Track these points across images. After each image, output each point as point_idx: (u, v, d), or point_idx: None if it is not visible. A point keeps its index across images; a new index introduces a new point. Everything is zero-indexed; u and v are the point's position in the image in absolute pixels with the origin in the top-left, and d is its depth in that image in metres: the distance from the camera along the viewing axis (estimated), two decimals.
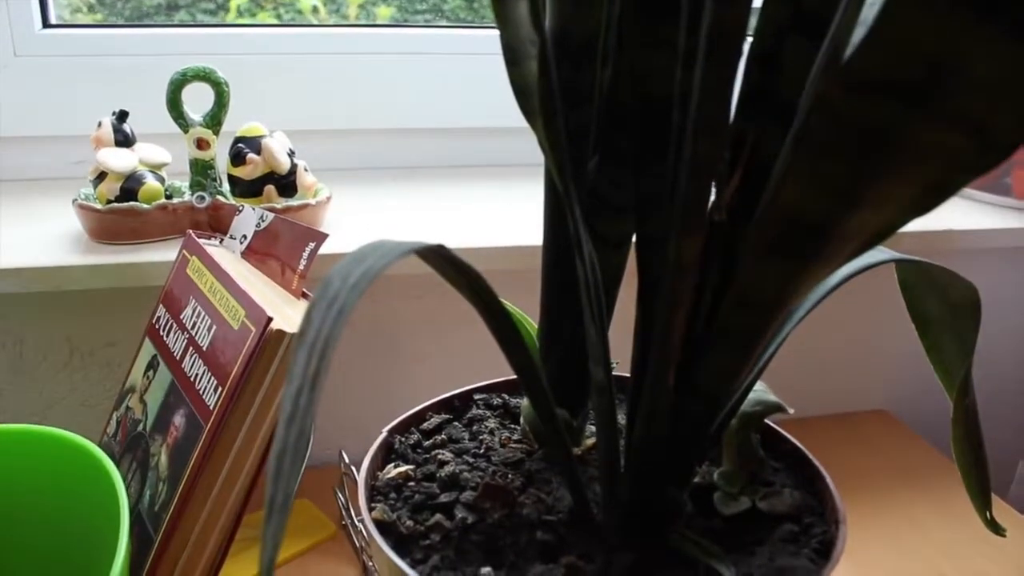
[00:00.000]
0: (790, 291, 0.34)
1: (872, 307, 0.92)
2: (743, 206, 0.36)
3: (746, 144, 0.35)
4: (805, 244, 0.32)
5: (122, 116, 0.72)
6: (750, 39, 0.36)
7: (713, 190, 0.36)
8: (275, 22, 1.03)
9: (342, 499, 0.72)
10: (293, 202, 0.72)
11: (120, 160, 0.70)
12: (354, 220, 0.77)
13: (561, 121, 0.33)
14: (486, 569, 0.38)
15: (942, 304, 0.48)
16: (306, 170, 0.74)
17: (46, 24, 0.86)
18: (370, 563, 0.67)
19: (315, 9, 1.07)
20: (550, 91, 0.32)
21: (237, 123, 0.74)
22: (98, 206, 0.69)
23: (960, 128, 0.28)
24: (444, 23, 1.04)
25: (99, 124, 0.72)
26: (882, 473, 0.83)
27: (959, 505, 0.49)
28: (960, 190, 0.30)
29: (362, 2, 1.05)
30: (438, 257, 0.31)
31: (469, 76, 0.92)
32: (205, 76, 0.71)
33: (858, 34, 0.33)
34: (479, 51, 0.92)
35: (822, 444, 0.88)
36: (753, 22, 0.38)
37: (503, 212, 0.81)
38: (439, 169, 0.96)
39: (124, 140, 0.72)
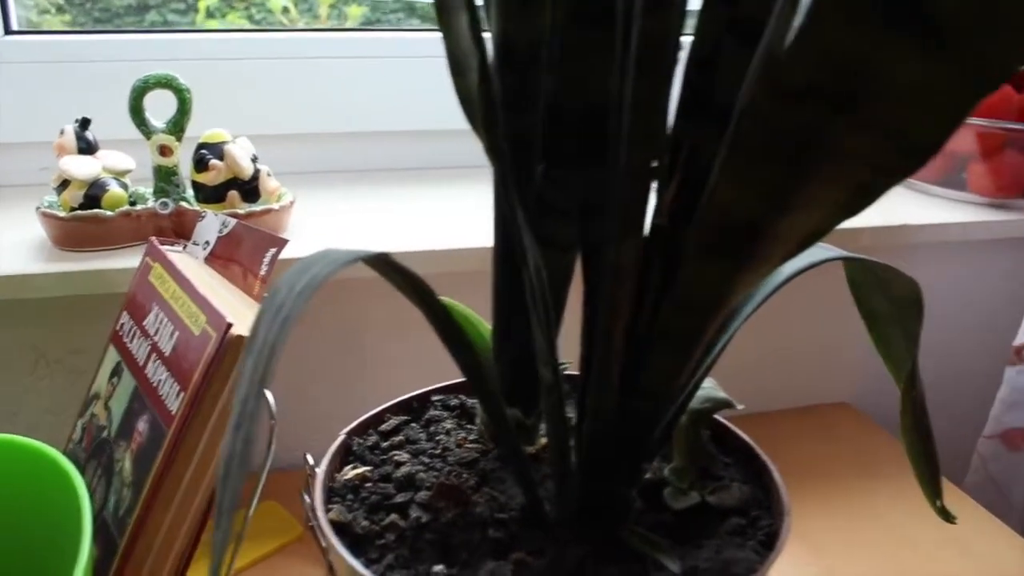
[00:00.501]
0: (728, 292, 0.35)
1: (833, 302, 0.94)
2: (684, 210, 0.37)
3: (684, 148, 0.36)
4: (740, 246, 0.33)
5: (84, 123, 0.73)
6: (689, 43, 0.37)
7: (655, 194, 0.37)
8: (244, 23, 1.04)
9: (308, 500, 0.72)
10: (256, 207, 0.73)
11: (83, 167, 0.70)
12: (318, 224, 0.78)
13: (503, 129, 0.34)
14: (439, 567, 0.39)
15: (887, 300, 0.50)
16: (269, 175, 0.75)
17: (8, 31, 0.86)
18: (334, 565, 0.67)
19: (285, 10, 1.07)
20: (491, 101, 0.33)
21: (202, 128, 0.74)
22: (61, 214, 0.70)
23: (882, 133, 0.30)
24: (415, 23, 1.04)
25: (62, 131, 0.72)
26: (844, 464, 0.85)
27: (918, 494, 0.50)
28: (888, 191, 0.32)
29: (333, 2, 1.06)
30: (383, 264, 0.32)
31: (434, 79, 0.92)
32: (167, 83, 0.71)
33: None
34: (443, 53, 0.92)
35: (785, 437, 0.90)
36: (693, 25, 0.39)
37: (469, 213, 0.82)
38: (405, 171, 0.96)
39: (87, 147, 0.72)
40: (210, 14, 1.05)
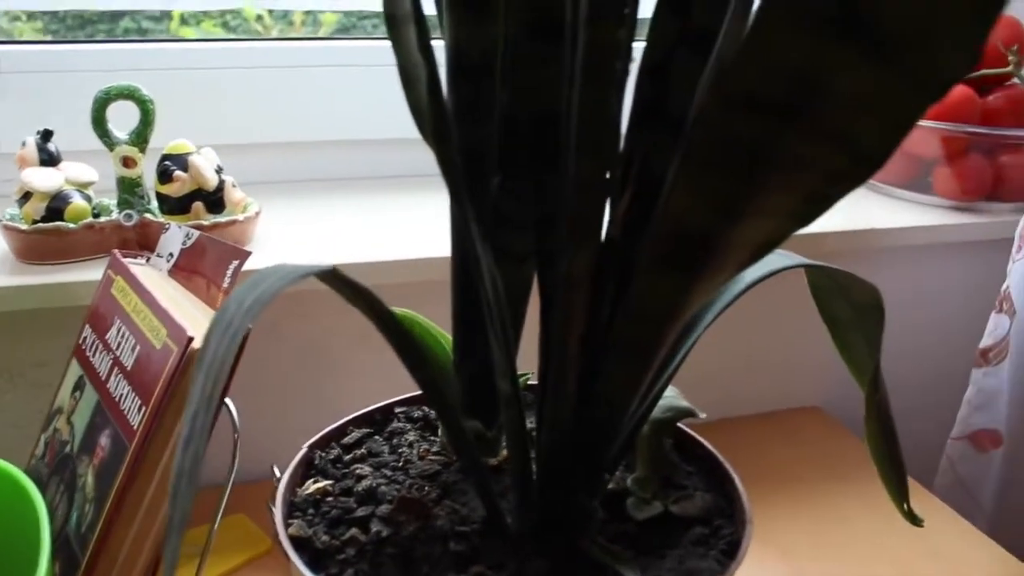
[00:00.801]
0: (683, 302, 0.35)
1: (801, 306, 0.94)
2: (637, 221, 0.37)
3: (637, 160, 0.36)
4: (694, 257, 0.33)
5: (46, 135, 0.72)
6: (641, 53, 0.37)
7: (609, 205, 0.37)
8: (219, 31, 1.03)
9: (275, 513, 0.72)
10: (221, 218, 0.72)
11: (45, 179, 0.70)
12: (284, 234, 0.78)
13: (456, 141, 0.34)
14: None
15: (848, 305, 0.50)
16: (234, 186, 0.74)
17: None
18: None
19: (259, 17, 1.06)
20: (440, 113, 0.33)
21: (166, 139, 0.73)
22: (23, 226, 0.69)
23: (832, 142, 0.30)
24: (380, 34, 1.04)
25: (23, 143, 0.72)
26: (812, 468, 0.85)
27: (887, 498, 0.50)
28: (840, 199, 0.32)
29: (307, 10, 1.05)
30: (333, 279, 0.32)
31: (399, 87, 0.92)
32: (129, 94, 0.71)
33: None
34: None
35: (755, 442, 0.90)
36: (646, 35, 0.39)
37: (436, 222, 0.82)
38: (376, 180, 0.96)
39: (49, 159, 0.72)
40: (184, 21, 1.04)
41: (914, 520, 0.51)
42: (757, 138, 0.30)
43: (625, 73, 0.34)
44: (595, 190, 0.33)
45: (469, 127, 0.39)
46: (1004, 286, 0.85)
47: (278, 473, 0.72)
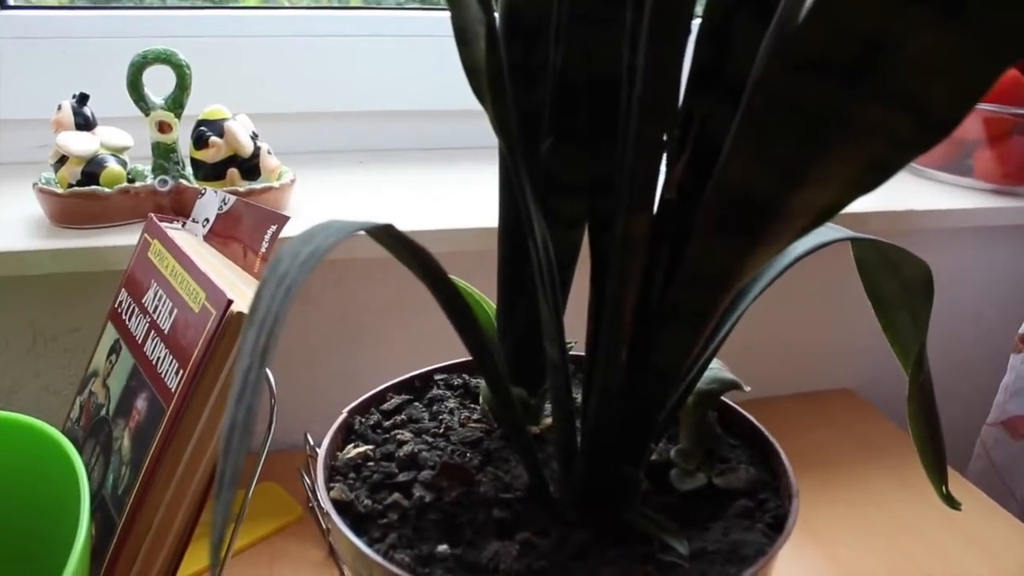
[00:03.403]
0: (739, 269, 0.34)
1: (837, 287, 0.93)
2: (694, 185, 0.36)
3: (695, 122, 0.35)
4: (752, 222, 0.33)
5: (82, 99, 0.72)
6: (699, 17, 0.36)
7: (665, 169, 0.37)
8: (243, 4, 1.03)
9: (308, 481, 0.72)
10: (256, 185, 0.72)
11: (81, 143, 0.70)
12: (318, 203, 0.77)
13: (511, 100, 0.34)
14: (442, 547, 0.38)
15: (896, 282, 0.49)
16: (269, 153, 0.74)
17: (4, 5, 0.85)
18: (336, 544, 0.67)
19: None
20: (499, 70, 0.32)
21: (201, 106, 0.73)
22: (59, 190, 0.69)
23: (898, 107, 0.29)
24: (414, 4, 1.03)
25: (59, 107, 0.71)
26: (845, 451, 0.84)
27: (920, 482, 0.49)
28: (903, 167, 0.31)
29: None
30: (387, 236, 0.31)
31: (435, 57, 0.91)
32: (166, 58, 0.70)
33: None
34: (446, 33, 0.91)
35: (787, 423, 0.89)
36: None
37: (471, 194, 0.81)
38: (408, 152, 0.95)
39: (85, 123, 0.71)
40: None
41: (952, 503, 0.51)
42: (822, 103, 0.29)
43: (688, 33, 0.33)
44: (655, 152, 0.32)
45: (523, 90, 0.38)
46: None
47: (312, 441, 0.72)
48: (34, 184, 0.70)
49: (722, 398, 0.48)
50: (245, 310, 0.52)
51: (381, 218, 0.70)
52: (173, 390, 0.53)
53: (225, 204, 0.63)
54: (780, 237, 0.34)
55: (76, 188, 0.69)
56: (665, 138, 0.35)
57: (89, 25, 0.84)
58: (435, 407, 0.49)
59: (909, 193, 0.90)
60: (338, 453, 0.45)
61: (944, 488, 0.50)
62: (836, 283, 0.92)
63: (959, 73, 0.28)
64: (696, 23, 0.36)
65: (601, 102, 0.35)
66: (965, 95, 0.28)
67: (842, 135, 0.30)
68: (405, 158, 0.93)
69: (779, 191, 0.32)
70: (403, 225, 0.73)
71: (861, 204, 0.85)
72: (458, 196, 0.81)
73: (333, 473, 0.44)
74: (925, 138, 0.30)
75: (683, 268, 0.34)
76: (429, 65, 0.91)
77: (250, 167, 0.73)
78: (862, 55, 0.28)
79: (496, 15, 0.39)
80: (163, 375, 0.55)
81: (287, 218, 0.57)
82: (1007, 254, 0.97)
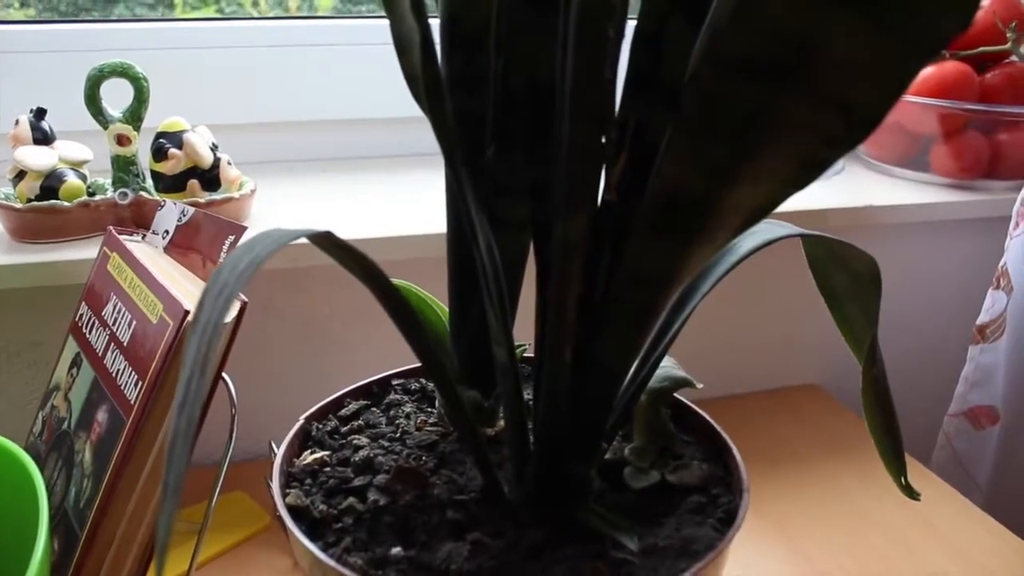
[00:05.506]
0: (679, 267, 0.35)
1: (800, 284, 0.94)
2: (633, 187, 0.37)
3: (631, 125, 0.36)
4: (688, 220, 0.33)
5: (40, 113, 0.72)
6: (635, 21, 0.37)
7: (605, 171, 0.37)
8: (199, 15, 1.03)
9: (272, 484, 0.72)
10: (217, 196, 0.72)
11: (39, 158, 0.69)
12: (279, 212, 0.77)
13: (449, 107, 0.34)
14: (396, 549, 0.38)
15: (846, 276, 0.50)
16: (230, 164, 0.74)
17: None
18: (293, 549, 0.67)
19: (255, 3, 1.06)
20: (435, 79, 0.33)
21: (160, 117, 0.73)
22: (18, 205, 0.69)
23: (826, 106, 0.30)
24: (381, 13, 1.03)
25: (16, 122, 0.71)
26: (811, 446, 0.85)
27: (884, 474, 0.50)
28: (832, 164, 0.32)
29: None
30: (328, 243, 0.32)
31: (396, 65, 0.92)
32: (123, 71, 0.70)
33: None
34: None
35: (753, 419, 0.90)
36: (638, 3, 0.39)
37: (433, 200, 0.82)
38: (371, 160, 0.96)
39: (43, 138, 0.71)
40: (182, 10, 1.03)
41: (911, 494, 0.51)
42: (751, 102, 0.30)
43: (620, 38, 0.34)
44: (590, 154, 0.33)
45: (464, 97, 0.39)
46: (1001, 263, 0.85)
47: (276, 450, 0.72)
48: None
49: (677, 396, 0.49)
50: None
51: (342, 226, 0.70)
52: (133, 401, 0.53)
53: (184, 216, 0.63)
54: (716, 235, 0.34)
55: (35, 203, 0.69)
56: (604, 141, 0.35)
57: (45, 39, 0.84)
58: (392, 412, 0.49)
59: (868, 189, 0.91)
60: (295, 460, 0.45)
61: (903, 479, 0.51)
62: (799, 280, 0.93)
63: (882, 71, 0.28)
64: (631, 27, 0.37)
65: (540, 108, 0.36)
66: (889, 92, 0.29)
67: (771, 134, 0.31)
68: (368, 166, 0.93)
69: (712, 190, 0.32)
70: (365, 232, 0.73)
71: (819, 200, 0.86)
72: (420, 202, 0.81)
73: (290, 479, 0.44)
74: (853, 136, 0.30)
75: (624, 267, 0.35)
76: (390, 73, 0.91)
77: (210, 178, 0.73)
78: (790, 56, 0.28)
79: (438, 24, 0.39)
80: (123, 387, 0.55)
81: (245, 228, 0.58)
82: (965, 247, 0.98)
